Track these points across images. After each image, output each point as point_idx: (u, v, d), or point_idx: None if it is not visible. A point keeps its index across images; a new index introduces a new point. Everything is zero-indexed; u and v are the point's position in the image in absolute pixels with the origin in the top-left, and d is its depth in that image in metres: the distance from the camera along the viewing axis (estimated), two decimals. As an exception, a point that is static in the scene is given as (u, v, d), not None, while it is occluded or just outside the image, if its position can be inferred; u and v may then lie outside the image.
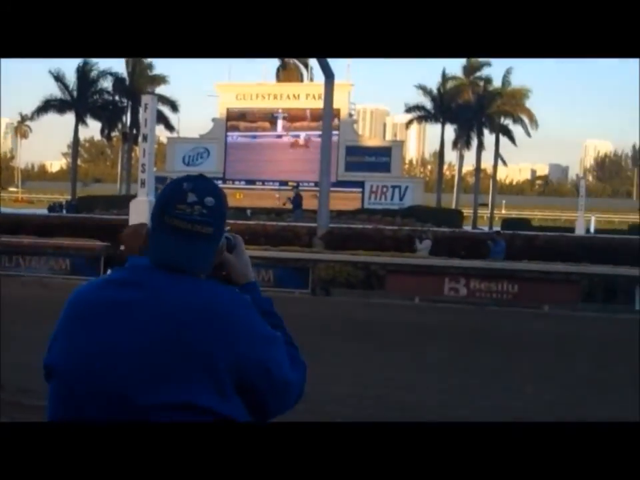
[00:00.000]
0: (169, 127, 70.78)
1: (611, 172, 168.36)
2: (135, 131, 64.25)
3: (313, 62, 57.15)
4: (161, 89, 71.09)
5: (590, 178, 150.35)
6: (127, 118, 71.93)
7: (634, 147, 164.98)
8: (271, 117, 61.08)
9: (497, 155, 72.78)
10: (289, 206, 44.22)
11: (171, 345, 2.45)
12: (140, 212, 25.80)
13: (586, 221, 54.54)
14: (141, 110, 29.39)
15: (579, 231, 49.23)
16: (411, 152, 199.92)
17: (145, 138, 28.19)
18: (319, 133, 41.22)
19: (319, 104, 38.53)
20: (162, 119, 65.03)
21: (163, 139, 75.03)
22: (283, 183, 56.54)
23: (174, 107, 69.99)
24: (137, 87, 68.44)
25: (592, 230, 56.13)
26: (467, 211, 67.05)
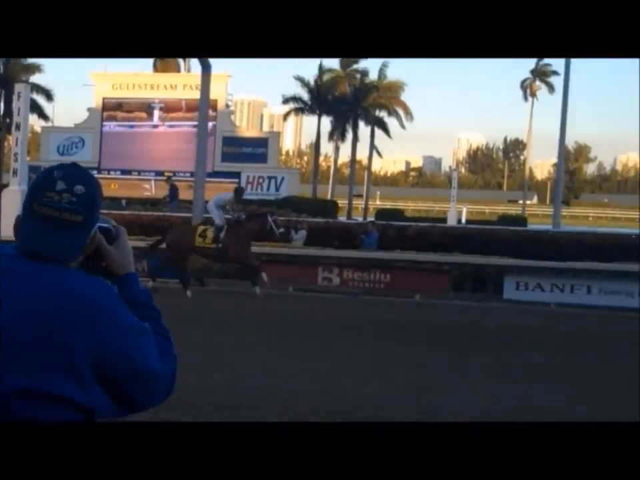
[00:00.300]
0: (44, 116, 69.50)
1: (482, 164, 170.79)
2: (8, 120, 62.90)
3: (190, 52, 56.72)
4: (35, 78, 69.71)
5: (462, 170, 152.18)
6: (0, 107, 70.49)
7: (505, 139, 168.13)
8: (147, 108, 60.52)
9: (372, 146, 73.44)
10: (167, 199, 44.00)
11: (33, 333, 2.46)
12: (12, 201, 25.49)
13: (458, 212, 55.23)
14: (14, 98, 28.99)
15: (451, 221, 49.78)
16: (288, 143, 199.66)
17: (17, 127, 27.86)
18: (196, 123, 41.12)
19: (197, 94, 38.23)
20: (36, 108, 63.82)
21: (38, 128, 73.62)
22: (159, 173, 56.16)
23: (49, 96, 68.73)
24: (10, 75, 66.91)
25: (463, 221, 56.91)
26: (342, 202, 67.44)
